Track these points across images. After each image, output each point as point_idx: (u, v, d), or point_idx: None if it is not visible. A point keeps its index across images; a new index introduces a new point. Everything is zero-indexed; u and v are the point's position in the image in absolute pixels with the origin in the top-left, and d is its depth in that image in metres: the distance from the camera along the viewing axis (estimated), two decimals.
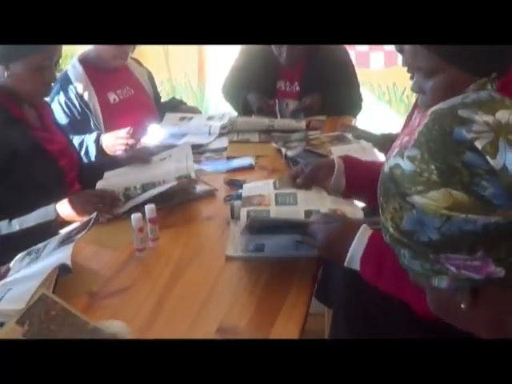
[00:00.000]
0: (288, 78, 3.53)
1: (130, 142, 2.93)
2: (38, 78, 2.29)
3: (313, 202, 2.00)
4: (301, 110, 3.37)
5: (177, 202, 2.29)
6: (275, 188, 2.09)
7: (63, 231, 2.03)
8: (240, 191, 2.17)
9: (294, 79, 3.52)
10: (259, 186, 2.14)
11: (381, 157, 2.62)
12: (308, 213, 1.93)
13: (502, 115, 0.80)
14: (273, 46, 3.35)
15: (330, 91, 3.38)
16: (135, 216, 1.92)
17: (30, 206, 2.15)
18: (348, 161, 2.07)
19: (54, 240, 1.95)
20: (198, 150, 2.89)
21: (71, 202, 2.15)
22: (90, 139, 2.97)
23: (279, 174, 2.48)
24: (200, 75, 6.17)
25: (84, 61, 3.20)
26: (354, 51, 5.72)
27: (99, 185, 2.40)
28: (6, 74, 2.24)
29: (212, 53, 5.97)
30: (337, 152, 2.66)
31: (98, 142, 2.95)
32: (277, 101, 3.43)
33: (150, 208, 1.98)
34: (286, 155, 2.67)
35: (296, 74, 3.50)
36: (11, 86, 2.28)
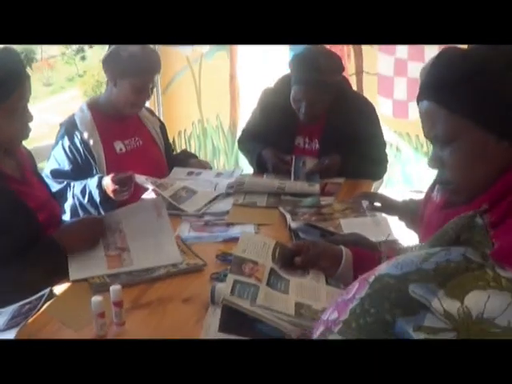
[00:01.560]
0: (308, 135, 3.30)
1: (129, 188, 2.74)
2: (16, 120, 2.13)
3: (306, 293, 1.78)
4: (317, 171, 3.10)
5: (160, 275, 2.09)
6: (273, 259, 1.89)
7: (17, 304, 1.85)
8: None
9: (314, 136, 3.29)
10: (258, 245, 1.93)
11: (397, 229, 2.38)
12: (299, 305, 1.71)
13: (475, 300, 0.53)
14: (292, 101, 3.11)
15: (351, 151, 3.12)
16: (95, 300, 1.69)
17: (3, 262, 2.00)
18: (357, 254, 1.87)
19: (6, 312, 1.79)
20: (197, 211, 2.68)
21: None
22: (92, 184, 2.78)
23: None
24: (232, 118, 6.03)
25: (93, 106, 3.05)
26: (392, 100, 5.54)
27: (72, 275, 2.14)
28: None
29: (245, 94, 5.82)
30: (346, 226, 2.42)
31: (100, 186, 2.75)
32: (293, 158, 3.17)
33: (114, 290, 1.75)
34: (289, 226, 2.42)
35: (316, 130, 3.26)
36: None
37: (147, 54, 2.94)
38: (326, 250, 1.91)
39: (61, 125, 2.99)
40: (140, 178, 2.75)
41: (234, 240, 2.34)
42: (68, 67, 21.36)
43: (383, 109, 5.44)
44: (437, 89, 1.41)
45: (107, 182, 2.72)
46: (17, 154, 2.30)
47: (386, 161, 3.37)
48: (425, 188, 5.76)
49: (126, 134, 3.12)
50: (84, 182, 2.82)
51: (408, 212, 2.35)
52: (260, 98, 3.43)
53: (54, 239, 2.15)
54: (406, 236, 2.43)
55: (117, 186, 2.69)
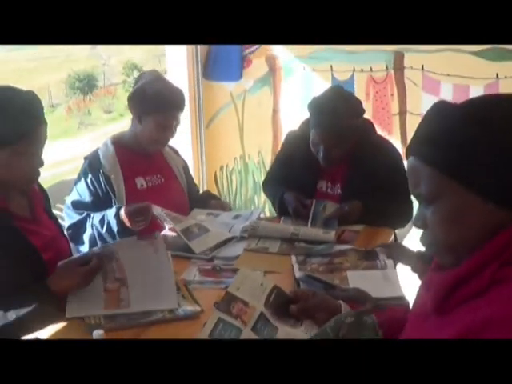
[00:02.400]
0: (330, 179, 3.27)
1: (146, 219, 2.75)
2: (24, 164, 2.16)
3: None
4: (336, 216, 3.05)
5: (156, 320, 2.09)
6: (267, 303, 1.86)
7: None
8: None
9: (337, 181, 3.25)
10: (255, 284, 1.89)
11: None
12: None
13: None
14: (311, 145, 3.09)
15: (374, 199, 3.07)
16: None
17: (6, 301, 2.02)
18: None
19: None
20: (207, 254, 2.68)
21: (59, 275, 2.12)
22: (110, 215, 2.81)
23: None
24: (274, 154, 6.00)
25: (117, 141, 3.12)
26: None
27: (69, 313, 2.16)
28: None
29: (288, 130, 5.80)
30: (353, 279, 2.36)
31: (118, 216, 2.77)
32: (314, 202, 3.13)
33: (98, 335, 1.75)
34: (294, 275, 2.39)
35: (339, 175, 3.23)
36: None
37: (172, 92, 2.98)
38: (325, 303, 1.87)
39: (85, 158, 3.05)
40: (156, 209, 2.76)
41: None
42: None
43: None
44: (421, 145, 1.35)
45: (124, 212, 2.74)
46: (29, 192, 2.34)
47: (411, 209, 3.29)
48: None
49: (149, 171, 3.15)
50: (103, 212, 2.85)
51: (420, 264, 2.30)
52: (284, 141, 3.43)
53: (45, 285, 2.15)
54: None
55: (133, 216, 2.72)
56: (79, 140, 16.40)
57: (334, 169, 3.18)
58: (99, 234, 2.84)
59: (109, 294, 2.18)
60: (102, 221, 2.82)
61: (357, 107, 3.03)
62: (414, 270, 2.34)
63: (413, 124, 5.43)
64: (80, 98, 21.44)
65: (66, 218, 2.96)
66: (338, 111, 2.91)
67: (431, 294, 1.36)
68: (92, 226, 2.86)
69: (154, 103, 2.94)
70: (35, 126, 2.15)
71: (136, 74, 22.08)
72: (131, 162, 3.08)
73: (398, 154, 3.25)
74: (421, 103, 5.45)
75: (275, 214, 3.38)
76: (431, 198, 1.34)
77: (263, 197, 6.09)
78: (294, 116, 5.59)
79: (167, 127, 3.02)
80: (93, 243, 2.86)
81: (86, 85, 22.51)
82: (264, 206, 6.05)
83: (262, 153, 6.02)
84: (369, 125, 3.27)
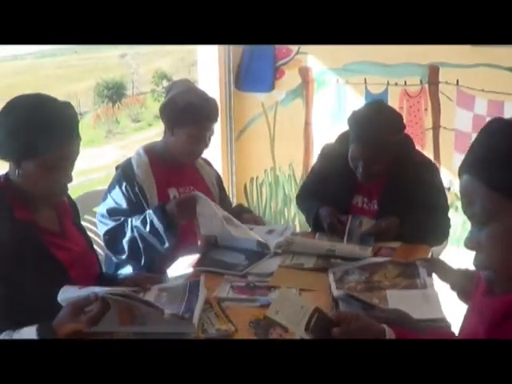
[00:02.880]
0: (367, 194, 3.18)
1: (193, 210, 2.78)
2: (51, 178, 2.11)
3: None
4: (373, 233, 2.96)
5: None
6: (307, 327, 1.74)
7: None
8: None
9: (373, 196, 3.17)
10: (295, 308, 1.78)
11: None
12: None
13: None
14: (349, 159, 3.01)
15: (411, 215, 2.98)
16: None
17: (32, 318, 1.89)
18: (401, 336, 1.75)
19: None
20: (241, 271, 2.60)
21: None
22: (152, 213, 2.79)
23: None
24: (305, 167, 5.96)
25: (150, 151, 3.06)
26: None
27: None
28: (17, 172, 2.08)
29: (320, 143, 5.74)
30: (392, 298, 2.27)
31: (162, 211, 2.76)
32: (350, 218, 3.05)
33: None
34: (332, 294, 2.31)
35: (376, 190, 3.15)
36: (22, 185, 2.11)
37: (204, 102, 2.92)
38: (369, 327, 1.78)
39: (117, 167, 3.01)
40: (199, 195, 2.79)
41: None
42: (157, 104, 21.87)
43: (459, 165, 5.26)
44: (477, 163, 1.29)
45: (171, 205, 2.76)
46: (58, 204, 2.27)
47: (448, 227, 3.20)
48: None
49: (182, 182, 3.09)
50: (143, 214, 2.80)
51: (460, 283, 2.22)
52: (319, 154, 3.36)
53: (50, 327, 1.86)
54: (455, 312, 2.29)
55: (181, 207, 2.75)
56: (107, 148, 16.43)
57: (370, 184, 3.10)
58: (141, 235, 2.78)
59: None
60: (144, 221, 2.77)
61: (398, 122, 2.95)
62: (453, 287, 2.26)
63: (446, 139, 5.35)
64: (108, 106, 21.50)
65: (101, 225, 2.90)
66: (379, 126, 2.84)
67: (485, 320, 1.29)
68: (133, 229, 2.80)
69: (186, 115, 2.88)
70: (67, 140, 2.09)
71: (165, 83, 22.15)
72: (164, 172, 3.02)
73: (437, 170, 3.17)
74: (454, 118, 5.38)
75: (306, 229, 3.30)
76: (487, 219, 1.27)
77: (293, 210, 6.03)
78: (327, 129, 5.55)
79: (200, 139, 2.96)
80: (133, 247, 2.80)
81: (114, 93, 22.57)
82: (294, 219, 5.99)
83: (292, 165, 5.96)
84: (408, 140, 3.19)
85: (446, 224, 3.17)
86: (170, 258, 2.83)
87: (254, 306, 2.27)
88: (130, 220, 2.83)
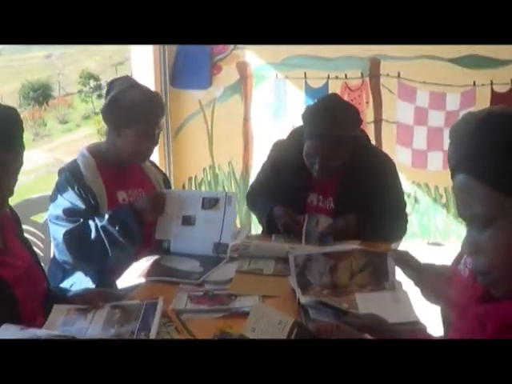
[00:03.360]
0: (321, 192, 3.03)
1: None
2: None
3: None
4: (331, 232, 2.83)
5: None
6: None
7: None
8: None
9: (329, 193, 3.02)
10: (272, 323, 1.63)
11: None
12: None
13: None
14: (304, 156, 2.87)
15: (369, 212, 2.87)
16: None
17: None
18: None
19: None
20: (197, 279, 2.42)
21: None
22: (121, 211, 2.68)
23: None
24: (245, 164, 5.85)
25: (96, 153, 2.85)
26: (411, 149, 5.36)
27: None
28: None
29: (260, 140, 5.66)
30: (362, 302, 2.15)
31: (133, 208, 2.69)
32: (306, 217, 2.90)
33: None
34: (298, 300, 2.16)
35: (331, 187, 3.00)
36: None
37: (150, 99, 2.76)
38: (351, 337, 1.64)
39: (61, 170, 2.80)
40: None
41: (236, 315, 2.10)
42: (84, 105, 21.51)
43: (401, 158, 5.25)
44: (473, 160, 1.17)
45: (141, 203, 2.74)
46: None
47: (406, 222, 3.10)
48: (443, 240, 5.57)
49: (130, 185, 2.92)
50: (109, 212, 2.67)
51: (427, 279, 2.12)
52: (271, 151, 3.19)
53: None
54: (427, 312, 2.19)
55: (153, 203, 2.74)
56: (34, 152, 15.96)
57: (325, 181, 2.96)
58: (109, 236, 2.61)
59: None
60: (112, 220, 2.62)
61: (355, 116, 2.82)
62: (417, 283, 2.16)
63: (388, 132, 5.32)
64: (35, 108, 20.93)
65: (57, 227, 2.67)
66: (337, 121, 2.70)
67: (488, 328, 1.16)
68: (98, 230, 2.62)
69: (133, 114, 2.69)
70: (3, 151, 1.89)
71: (92, 83, 21.75)
72: (112, 174, 2.83)
73: (393, 165, 3.06)
74: (396, 111, 5.36)
75: (248, 227, 3.13)
76: (488, 221, 1.15)
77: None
78: (266, 125, 5.44)
79: (150, 136, 2.80)
80: (99, 248, 2.63)
81: (40, 95, 22.01)
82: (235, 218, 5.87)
83: (232, 163, 5.87)
84: (364, 135, 3.07)
85: (404, 220, 3.07)
86: (127, 263, 2.71)
87: (216, 317, 2.10)
88: (91, 221, 2.65)
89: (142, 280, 2.47)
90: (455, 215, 5.53)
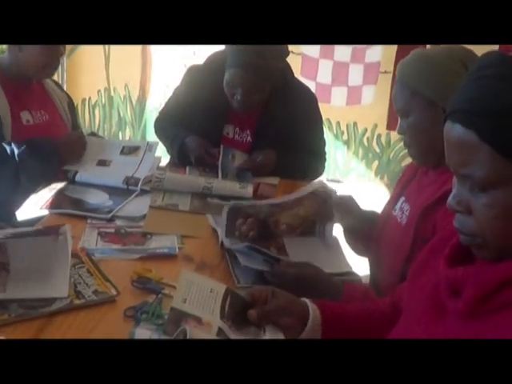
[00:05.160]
0: (239, 124, 2.83)
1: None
2: None
3: None
4: (249, 168, 2.66)
5: (57, 309, 1.59)
6: (222, 313, 1.42)
7: None
8: (148, 302, 1.57)
9: (247, 126, 2.82)
10: (204, 292, 1.44)
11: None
12: None
13: None
14: (225, 86, 2.66)
15: (288, 147, 2.72)
16: None
17: None
18: (326, 311, 1.45)
19: None
20: (106, 213, 2.18)
21: None
22: (40, 146, 2.47)
23: (211, 271, 1.86)
24: (142, 88, 5.60)
25: None
26: (315, 83, 5.24)
27: None
28: None
29: (159, 62, 5.40)
30: (291, 247, 1.98)
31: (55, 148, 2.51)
32: (222, 150, 2.70)
33: None
34: (222, 243, 1.97)
35: (250, 120, 2.80)
36: None
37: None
38: (289, 304, 1.46)
39: None
40: None
41: (153, 257, 1.91)
42: None
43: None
44: (477, 114, 0.99)
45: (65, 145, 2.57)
46: None
47: (324, 160, 2.96)
48: (343, 177, 5.51)
49: (33, 105, 2.64)
50: (29, 142, 2.43)
51: (358, 223, 2.06)
52: (185, 76, 2.92)
53: None
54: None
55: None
56: None
57: (242, 113, 2.76)
58: (25, 165, 2.38)
59: None
60: (30, 151, 2.40)
61: (284, 47, 2.63)
62: (349, 230, 2.05)
63: (292, 63, 5.11)
64: None
65: None
66: (265, 51, 2.50)
67: (469, 292, 1.04)
68: (15, 156, 2.39)
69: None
70: None
71: None
72: (15, 93, 2.55)
73: (315, 100, 2.89)
74: None
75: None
76: (487, 186, 0.99)
77: (128, 133, 5.68)
78: (166, 48, 5.25)
79: (55, 47, 2.52)
80: (11, 175, 2.37)
81: None
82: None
83: (128, 86, 5.64)
84: (287, 68, 2.88)
85: (323, 157, 2.93)
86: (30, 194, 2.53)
87: (131, 259, 1.89)
88: (6, 145, 2.40)
89: (45, 212, 2.21)
90: (356, 153, 5.49)
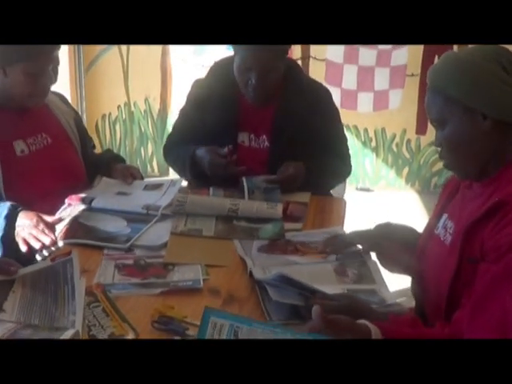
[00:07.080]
0: (253, 130, 2.65)
1: (48, 240, 2.06)
2: None
3: None
4: (279, 181, 2.48)
5: None
6: None
7: None
8: None
9: (261, 131, 2.64)
10: None
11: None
12: None
13: None
14: (237, 73, 2.52)
15: (310, 150, 2.60)
16: None
17: None
18: (388, 332, 1.43)
19: None
20: (124, 243, 2.03)
21: None
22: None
23: (240, 306, 1.70)
24: (163, 101, 5.50)
25: None
26: (340, 89, 5.12)
27: None
28: None
29: (179, 75, 5.30)
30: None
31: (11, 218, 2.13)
32: (244, 182, 2.50)
33: None
34: (250, 273, 1.80)
35: (264, 123, 2.63)
36: None
37: None
38: (350, 330, 1.41)
39: None
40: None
41: (176, 292, 1.74)
42: None
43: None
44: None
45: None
46: None
47: (349, 155, 2.82)
48: (372, 186, 5.37)
49: (30, 131, 2.43)
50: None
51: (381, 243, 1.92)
52: (190, 92, 2.77)
53: None
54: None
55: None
56: None
57: (255, 117, 2.61)
58: None
59: None
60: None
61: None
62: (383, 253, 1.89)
63: (316, 70, 5.05)
64: None
65: None
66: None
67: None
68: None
69: (18, 49, 2.22)
70: None
71: None
72: (4, 122, 2.38)
73: (330, 95, 2.75)
74: (325, 48, 5.13)
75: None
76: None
77: (151, 149, 5.58)
78: (186, 59, 5.24)
79: (41, 75, 2.33)
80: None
81: None
82: (151, 159, 5.62)
83: (149, 100, 5.53)
84: (295, 63, 2.78)
85: (348, 155, 2.79)
86: None
87: (151, 295, 1.73)
88: None
89: (59, 244, 2.06)
90: (385, 160, 5.33)
